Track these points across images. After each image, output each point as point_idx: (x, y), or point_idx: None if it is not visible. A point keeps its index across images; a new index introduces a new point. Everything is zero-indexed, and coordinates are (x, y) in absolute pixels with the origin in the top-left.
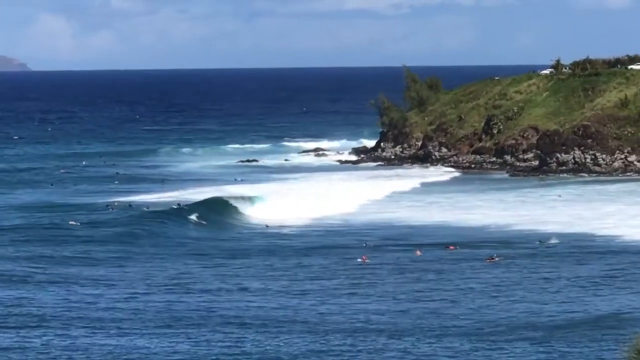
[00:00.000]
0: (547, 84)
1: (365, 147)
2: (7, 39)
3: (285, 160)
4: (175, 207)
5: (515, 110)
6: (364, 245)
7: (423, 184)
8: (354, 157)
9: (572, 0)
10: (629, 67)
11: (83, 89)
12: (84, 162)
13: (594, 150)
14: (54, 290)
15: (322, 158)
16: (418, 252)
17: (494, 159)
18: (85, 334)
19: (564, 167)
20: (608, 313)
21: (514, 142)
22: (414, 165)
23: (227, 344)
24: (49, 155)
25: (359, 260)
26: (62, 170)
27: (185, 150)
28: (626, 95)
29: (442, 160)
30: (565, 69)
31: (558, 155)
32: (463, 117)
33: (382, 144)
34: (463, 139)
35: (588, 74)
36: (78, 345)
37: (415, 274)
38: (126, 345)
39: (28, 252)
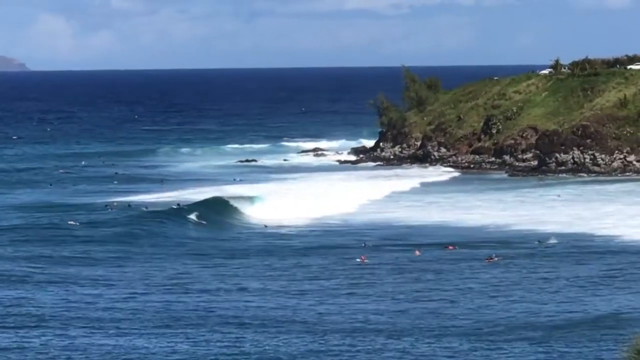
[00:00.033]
0: (546, 84)
1: (364, 147)
2: (6, 38)
3: (284, 160)
4: (174, 207)
5: (515, 110)
6: (363, 245)
7: (422, 184)
8: (353, 157)
9: (571, 1)
10: (628, 67)
11: (82, 89)
12: (83, 162)
13: (593, 150)
14: (52, 290)
15: (321, 158)
16: (417, 252)
17: (493, 159)
18: (84, 334)
19: (563, 167)
20: (607, 313)
21: (513, 142)
22: (413, 165)
23: (226, 344)
24: (48, 155)
25: (358, 260)
26: (61, 170)
27: (184, 150)
28: (625, 95)
29: (441, 160)
30: (565, 69)
31: (557, 155)
32: (462, 117)
33: (381, 144)
34: (462, 139)
35: (587, 74)
36: (77, 345)
37: (414, 274)
38: (125, 345)
39: (27, 252)
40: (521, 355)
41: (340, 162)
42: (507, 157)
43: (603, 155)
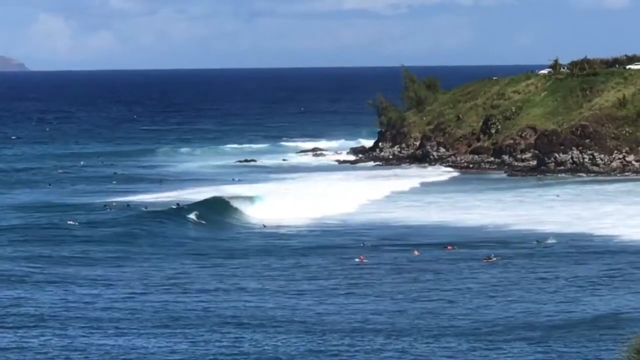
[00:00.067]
0: (545, 84)
1: (363, 147)
2: (5, 38)
3: (283, 160)
4: (174, 207)
5: (514, 110)
6: (362, 245)
7: (421, 184)
8: (352, 157)
9: (570, 0)
10: (627, 67)
11: (81, 89)
12: (81, 162)
13: (592, 150)
14: (51, 290)
15: (320, 158)
16: (416, 252)
17: (492, 158)
18: (83, 334)
19: (562, 167)
20: (606, 313)
21: (512, 142)
22: (412, 165)
23: (225, 343)
24: (47, 155)
25: (357, 260)
26: (60, 170)
27: (183, 150)
28: (624, 95)
29: (440, 160)
30: (564, 68)
31: (556, 155)
32: (461, 117)
33: (380, 143)
34: (461, 139)
35: (586, 74)
36: (76, 345)
37: (413, 274)
38: (124, 345)
39: (26, 252)
40: (520, 355)
41: (339, 162)
42: (506, 157)
43: (602, 155)
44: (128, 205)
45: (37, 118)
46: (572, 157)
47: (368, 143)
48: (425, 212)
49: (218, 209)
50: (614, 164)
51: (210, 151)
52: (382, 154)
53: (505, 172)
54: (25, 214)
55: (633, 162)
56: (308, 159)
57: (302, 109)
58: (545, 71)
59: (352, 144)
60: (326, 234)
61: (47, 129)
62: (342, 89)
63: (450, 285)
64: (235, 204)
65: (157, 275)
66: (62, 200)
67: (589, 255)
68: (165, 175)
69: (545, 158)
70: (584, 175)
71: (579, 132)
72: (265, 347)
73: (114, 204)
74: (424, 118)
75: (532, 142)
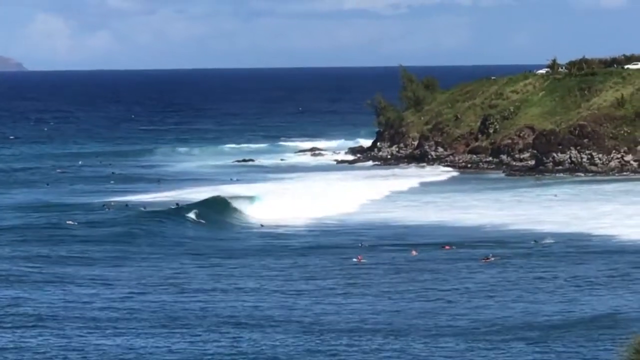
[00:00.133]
0: (544, 84)
1: (361, 146)
2: (3, 38)
3: (282, 160)
4: (173, 207)
5: (512, 110)
6: (360, 245)
7: (419, 184)
8: (350, 157)
9: (569, 0)
10: (626, 66)
11: (80, 88)
12: (80, 162)
13: (590, 150)
14: (50, 290)
15: (319, 158)
16: (414, 252)
17: (490, 158)
18: (81, 334)
19: (560, 167)
20: (604, 313)
21: (510, 141)
22: (410, 164)
23: (223, 343)
24: (45, 155)
25: (355, 260)
26: (58, 170)
27: (181, 150)
28: (622, 95)
29: (439, 160)
30: (562, 68)
31: (554, 154)
32: (459, 116)
33: (378, 143)
34: (459, 139)
35: (584, 74)
36: (74, 345)
37: (410, 274)
38: (122, 345)
39: (25, 252)
40: (518, 355)
41: (338, 161)
42: (504, 157)
43: (600, 155)
44: (127, 205)
45: (36, 118)
46: (570, 157)
47: (367, 143)
48: (424, 211)
49: (217, 208)
50: (612, 164)
51: (208, 151)
52: (381, 153)
53: (503, 171)
54: (23, 213)
55: (631, 162)
56: (306, 159)
57: (301, 108)
58: (543, 71)
59: (351, 143)
60: (324, 234)
61: (46, 129)
62: (341, 89)
63: (449, 285)
64: (234, 203)
65: (155, 275)
66: (61, 200)
67: (588, 255)
68: (163, 175)
69: (543, 158)
70: (582, 175)
71: (577, 131)
72: (264, 347)
73: (112, 203)
74: (422, 118)
75: (530, 141)
